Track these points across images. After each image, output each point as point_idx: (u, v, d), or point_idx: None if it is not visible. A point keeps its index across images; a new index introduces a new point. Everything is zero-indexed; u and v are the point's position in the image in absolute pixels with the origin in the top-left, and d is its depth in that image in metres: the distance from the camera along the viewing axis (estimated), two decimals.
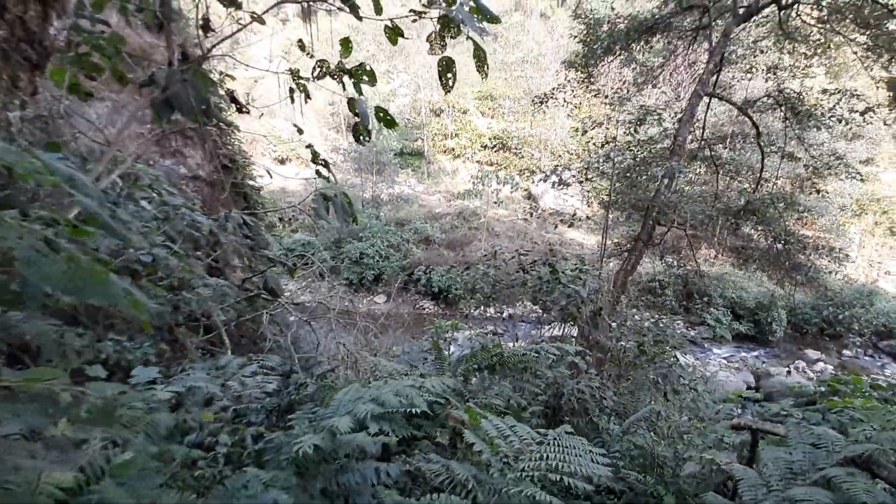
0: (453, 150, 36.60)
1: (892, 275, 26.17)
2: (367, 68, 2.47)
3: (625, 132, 9.69)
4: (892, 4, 10.09)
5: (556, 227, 9.35)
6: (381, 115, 2.50)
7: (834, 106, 10.49)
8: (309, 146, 2.80)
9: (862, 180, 11.17)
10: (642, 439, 4.37)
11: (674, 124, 10.44)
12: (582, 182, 9.80)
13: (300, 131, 3.00)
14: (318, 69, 2.52)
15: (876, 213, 27.90)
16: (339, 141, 38.07)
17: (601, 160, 9.49)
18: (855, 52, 11.21)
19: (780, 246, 10.92)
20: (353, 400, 2.40)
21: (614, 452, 4.72)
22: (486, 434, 2.56)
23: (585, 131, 10.40)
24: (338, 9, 2.72)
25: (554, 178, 9.17)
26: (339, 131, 38.52)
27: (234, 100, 2.68)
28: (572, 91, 10.76)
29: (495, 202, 22.13)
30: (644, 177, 9.67)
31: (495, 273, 7.39)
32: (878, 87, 11.04)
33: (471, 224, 25.83)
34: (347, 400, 2.44)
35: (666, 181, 8.30)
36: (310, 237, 25.00)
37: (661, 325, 7.30)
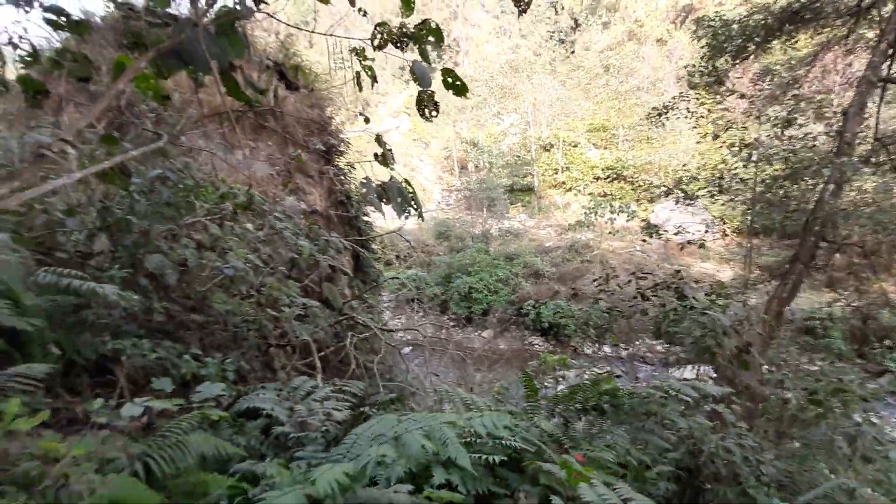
0: (564, 183, 35.48)
1: None
2: (432, 25, 2.11)
3: (769, 135, 8.08)
4: None
5: (682, 248, 7.87)
6: (450, 79, 2.11)
7: None
8: (378, 137, 2.52)
9: None
10: None
11: (836, 122, 8.48)
12: (714, 195, 8.25)
13: (367, 120, 2.72)
14: (378, 37, 2.24)
15: None
16: (453, 181, 39.48)
17: (740, 163, 7.88)
18: None
19: None
20: (372, 438, 1.85)
21: None
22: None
23: (717, 135, 8.75)
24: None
25: (678, 192, 7.87)
26: (453, 173, 40.04)
27: (282, 76, 2.53)
28: (697, 98, 9.42)
29: (610, 233, 20.49)
30: (798, 186, 7.84)
31: (609, 301, 6.43)
32: None
33: (583, 257, 24.25)
34: (366, 437, 1.90)
35: (832, 187, 6.59)
36: (422, 273, 25.68)
37: (836, 368, 5.57)
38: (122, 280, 3.13)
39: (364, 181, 2.27)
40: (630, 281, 6.21)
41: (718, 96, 10.08)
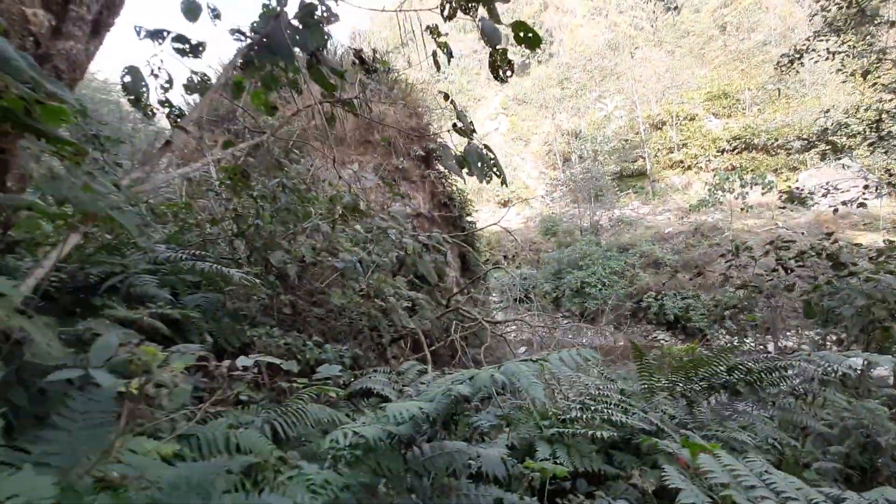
0: (681, 162, 32.29)
1: None
2: None
3: None
4: None
5: (836, 211, 6.39)
6: (521, 33, 2.05)
7: None
8: (452, 105, 2.55)
9: None
10: None
11: None
12: (873, 145, 6.65)
13: (446, 97, 2.71)
14: (447, 5, 2.26)
15: None
16: (557, 175, 38.38)
17: None
18: None
19: None
20: (451, 382, 1.82)
21: None
22: (710, 480, 1.61)
23: (867, 73, 6.93)
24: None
25: (823, 146, 6.55)
26: (555, 167, 38.93)
27: (361, 60, 2.67)
28: (838, 37, 7.78)
29: (742, 209, 18.03)
30: None
31: (742, 278, 5.66)
32: None
33: (711, 240, 21.73)
34: (445, 383, 1.88)
35: None
36: (531, 271, 25.27)
37: None
38: (255, 276, 3.58)
39: (441, 145, 2.30)
40: (768, 252, 5.40)
41: (867, 35, 8.24)
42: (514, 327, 7.35)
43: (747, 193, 18.87)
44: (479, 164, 2.22)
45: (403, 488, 1.42)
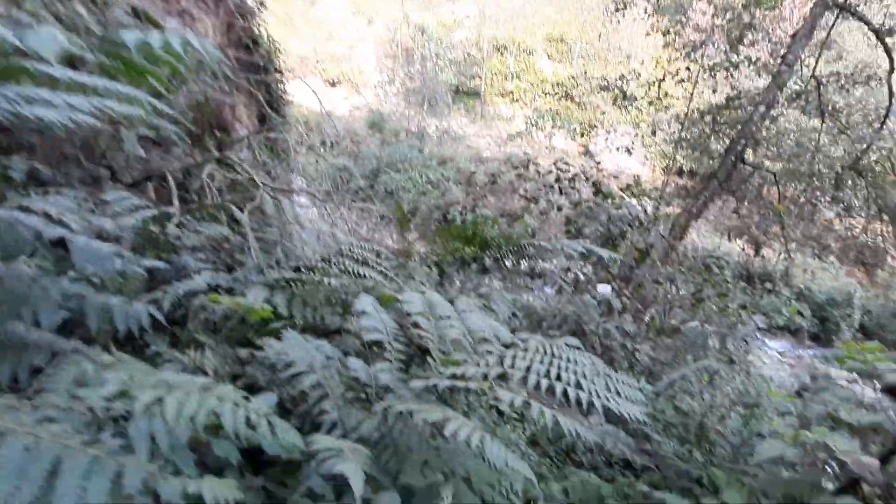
0: (512, 93, 33.99)
1: None
2: None
3: (719, 48, 7.67)
4: None
5: (619, 148, 7.53)
6: None
7: None
8: None
9: None
10: (686, 406, 3.14)
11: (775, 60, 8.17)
12: (652, 102, 7.88)
13: None
14: None
15: None
16: (396, 69, 36.26)
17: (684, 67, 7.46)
18: None
19: (883, 227, 8.92)
20: None
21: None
22: (404, 308, 1.35)
23: (668, 31, 8.01)
24: None
25: (615, 90, 7.38)
26: (396, 60, 36.60)
27: None
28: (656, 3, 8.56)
29: (546, 149, 20.16)
30: (732, 114, 7.59)
31: (526, 191, 6.06)
32: None
33: (518, 171, 24.12)
34: None
35: (762, 109, 6.42)
36: (349, 163, 24.16)
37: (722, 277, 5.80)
38: None
39: None
40: (551, 171, 5.84)
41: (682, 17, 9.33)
42: (304, 201, 6.67)
43: (553, 134, 21.04)
44: None
45: None
